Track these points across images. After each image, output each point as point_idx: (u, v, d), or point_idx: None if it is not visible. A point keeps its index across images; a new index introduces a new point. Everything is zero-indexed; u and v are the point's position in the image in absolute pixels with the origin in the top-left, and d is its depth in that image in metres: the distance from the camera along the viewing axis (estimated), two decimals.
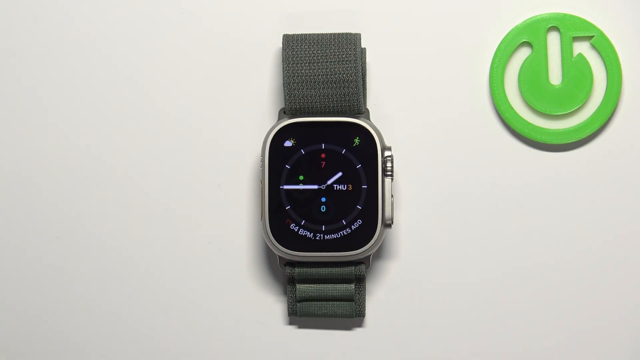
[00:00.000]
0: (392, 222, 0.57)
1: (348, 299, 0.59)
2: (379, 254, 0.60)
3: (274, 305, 0.61)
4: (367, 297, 0.60)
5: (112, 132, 0.61)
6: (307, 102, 0.57)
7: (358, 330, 0.61)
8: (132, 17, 0.61)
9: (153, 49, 0.61)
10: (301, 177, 0.57)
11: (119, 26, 0.61)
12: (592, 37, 0.60)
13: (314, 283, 0.58)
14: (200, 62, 0.61)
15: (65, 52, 0.61)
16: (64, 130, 0.61)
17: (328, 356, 0.61)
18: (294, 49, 0.58)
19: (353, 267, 0.58)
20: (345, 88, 0.57)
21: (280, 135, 0.57)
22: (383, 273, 0.61)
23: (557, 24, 0.60)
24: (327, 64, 0.57)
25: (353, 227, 0.57)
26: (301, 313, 0.59)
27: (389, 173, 0.57)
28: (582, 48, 0.60)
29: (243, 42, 0.61)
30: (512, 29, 0.60)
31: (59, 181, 0.61)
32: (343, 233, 0.57)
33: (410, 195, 0.61)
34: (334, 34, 0.58)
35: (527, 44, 0.60)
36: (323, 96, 0.57)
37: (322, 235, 0.57)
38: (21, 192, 0.61)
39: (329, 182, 0.57)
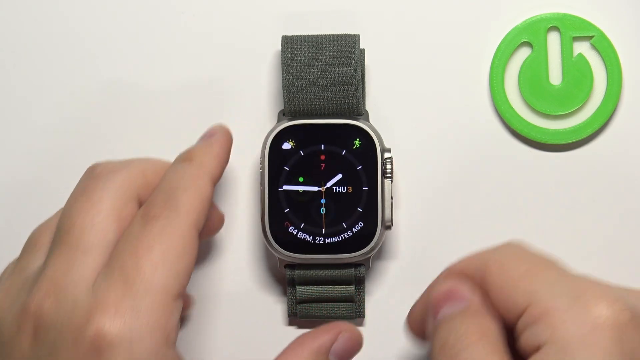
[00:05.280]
0: (392, 224, 0.57)
1: (348, 300, 0.59)
2: (378, 254, 0.60)
3: (274, 306, 0.61)
4: (366, 298, 0.60)
5: (112, 132, 0.61)
6: (306, 105, 0.57)
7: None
8: (131, 18, 0.61)
9: (152, 49, 0.61)
10: (301, 179, 0.57)
11: (117, 26, 0.61)
12: (592, 37, 0.60)
13: (314, 285, 0.58)
14: (199, 64, 0.61)
15: (65, 52, 0.61)
16: (64, 130, 0.61)
17: None
18: (293, 50, 0.57)
19: (353, 269, 0.58)
20: (345, 91, 0.57)
21: (279, 138, 0.57)
22: (383, 274, 0.61)
23: (557, 24, 0.60)
24: (327, 66, 0.57)
25: (354, 230, 0.57)
26: (301, 315, 0.59)
27: (389, 175, 0.57)
28: (582, 48, 0.60)
29: (242, 43, 0.61)
30: (512, 29, 0.60)
31: (58, 181, 0.61)
32: (343, 235, 0.57)
33: (410, 195, 0.61)
34: (333, 35, 0.58)
35: (527, 44, 0.60)
36: (322, 99, 0.57)
37: (321, 237, 0.57)
38: (21, 192, 0.62)
39: (329, 184, 0.57)
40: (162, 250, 0.48)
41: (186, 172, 0.52)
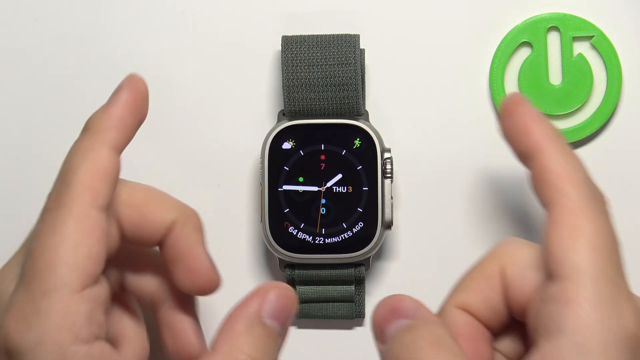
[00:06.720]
0: (392, 224, 0.57)
1: (348, 300, 0.59)
2: (378, 254, 0.60)
3: None
4: (366, 298, 0.60)
5: None
6: (306, 105, 0.57)
7: (358, 330, 0.61)
8: (131, 18, 0.61)
9: (152, 50, 0.61)
10: (301, 179, 0.57)
11: (117, 27, 0.61)
12: (592, 37, 0.60)
13: (314, 285, 0.58)
14: (199, 64, 0.61)
15: (65, 52, 0.61)
16: (64, 130, 0.61)
17: (328, 356, 0.61)
18: (293, 51, 0.57)
19: (353, 269, 0.58)
20: (345, 91, 0.57)
21: (279, 138, 0.57)
22: (383, 273, 0.61)
23: (557, 24, 0.60)
24: (327, 66, 0.57)
25: (354, 230, 0.57)
26: (302, 315, 0.59)
27: (389, 175, 0.57)
28: (582, 48, 0.60)
29: (242, 43, 0.61)
30: (512, 29, 0.60)
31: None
32: (343, 235, 0.57)
33: (409, 196, 0.61)
34: (333, 35, 0.58)
35: (527, 44, 0.60)
36: (322, 99, 0.57)
37: (321, 237, 0.57)
38: (21, 191, 0.62)
39: (329, 184, 0.57)
40: (55, 246, 0.45)
41: (79, 147, 0.47)
